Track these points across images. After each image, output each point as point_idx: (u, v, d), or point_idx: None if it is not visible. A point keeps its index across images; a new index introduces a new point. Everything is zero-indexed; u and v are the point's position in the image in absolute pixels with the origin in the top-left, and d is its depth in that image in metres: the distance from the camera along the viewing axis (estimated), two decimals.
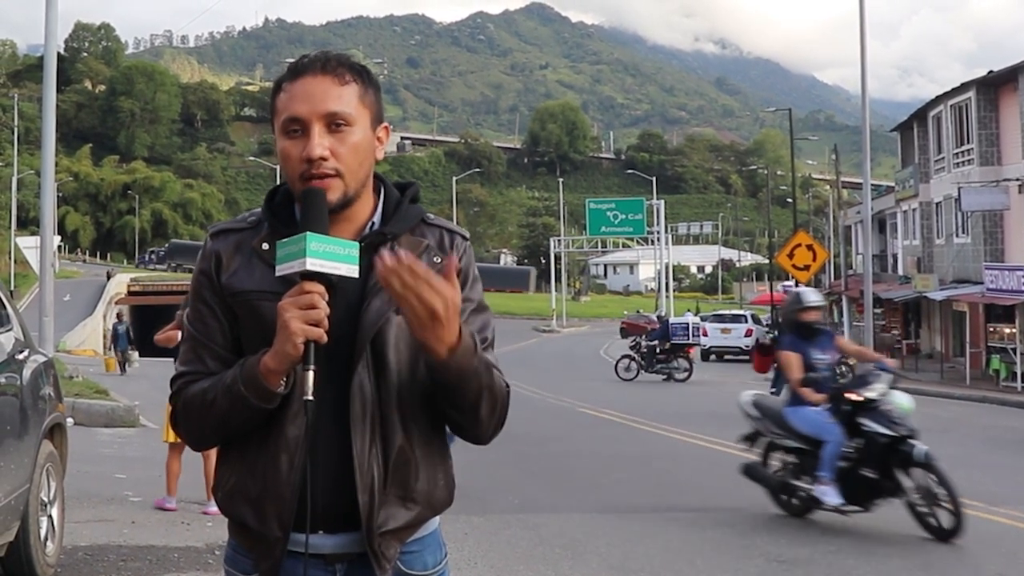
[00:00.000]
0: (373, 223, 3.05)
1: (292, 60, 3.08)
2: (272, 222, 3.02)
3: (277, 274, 2.82)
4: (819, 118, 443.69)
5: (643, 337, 44.57)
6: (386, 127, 3.12)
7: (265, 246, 2.97)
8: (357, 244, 2.84)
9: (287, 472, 2.90)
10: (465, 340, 2.82)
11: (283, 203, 3.07)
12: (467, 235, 3.18)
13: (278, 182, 3.12)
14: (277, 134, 3.00)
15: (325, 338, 2.76)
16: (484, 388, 2.93)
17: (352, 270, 2.81)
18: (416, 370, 2.98)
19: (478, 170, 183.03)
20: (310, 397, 2.75)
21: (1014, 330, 38.23)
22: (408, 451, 2.99)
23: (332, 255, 2.76)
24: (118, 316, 49.21)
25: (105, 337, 72.79)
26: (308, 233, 2.75)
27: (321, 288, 2.75)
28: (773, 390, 25.99)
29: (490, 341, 3.11)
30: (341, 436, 2.92)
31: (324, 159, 2.90)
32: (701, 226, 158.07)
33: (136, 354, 44.57)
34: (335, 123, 2.93)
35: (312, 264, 2.73)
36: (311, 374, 2.75)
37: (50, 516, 8.69)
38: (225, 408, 2.90)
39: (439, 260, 3.02)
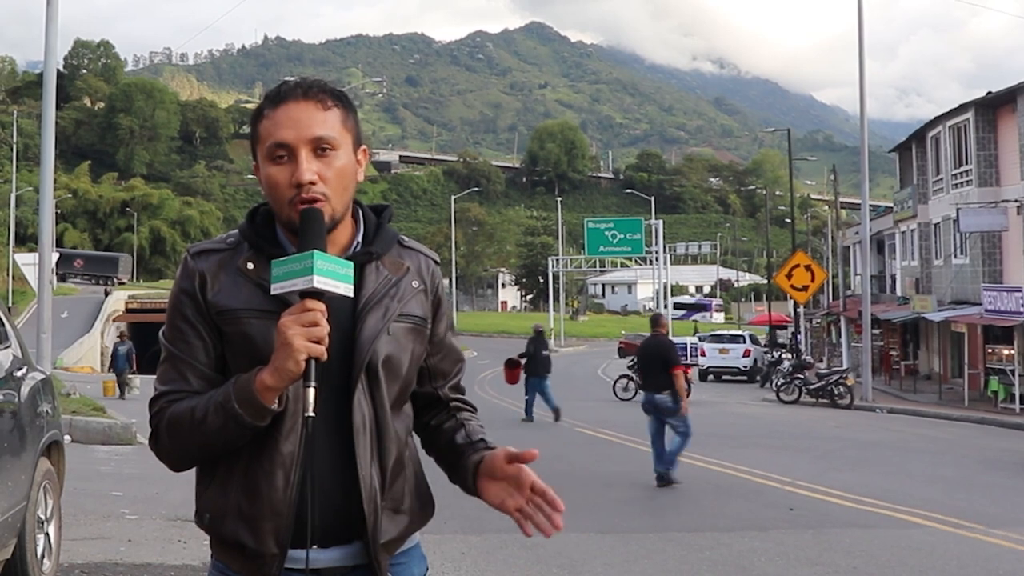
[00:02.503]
0: (357, 243, 3.10)
1: (291, 78, 3.12)
2: (256, 242, 3.06)
3: (273, 292, 2.84)
4: (818, 138, 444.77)
5: None
6: (364, 149, 3.16)
7: (250, 266, 3.01)
8: (352, 264, 2.89)
9: (283, 489, 2.93)
10: None
11: (264, 224, 3.11)
12: (438, 259, 3.29)
13: None
14: (261, 160, 3.03)
15: (326, 356, 2.78)
16: None
17: (349, 289, 2.85)
18: (400, 383, 3.08)
19: (477, 189, 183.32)
20: (312, 413, 2.77)
21: (1012, 351, 38.19)
22: (401, 464, 3.09)
23: (334, 274, 2.80)
24: (120, 336, 44.32)
25: (103, 355, 72.84)
26: (315, 251, 2.78)
27: (323, 306, 2.79)
28: (527, 397, 28.05)
29: (462, 362, 3.38)
30: (337, 451, 2.97)
31: (313, 183, 2.94)
32: (699, 246, 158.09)
33: (137, 379, 41.01)
34: (321, 147, 2.97)
35: (319, 282, 2.76)
36: (312, 391, 2.77)
37: (47, 534, 8.67)
38: (216, 426, 2.90)
39: (417, 284, 3.14)
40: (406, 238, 3.22)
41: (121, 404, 33.64)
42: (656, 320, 19.12)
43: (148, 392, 3.17)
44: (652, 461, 17.90)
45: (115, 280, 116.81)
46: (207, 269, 3.05)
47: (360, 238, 3.11)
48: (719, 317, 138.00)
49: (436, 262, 3.25)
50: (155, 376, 3.13)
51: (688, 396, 18.31)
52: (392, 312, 3.03)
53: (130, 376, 40.26)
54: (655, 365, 18.19)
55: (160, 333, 3.14)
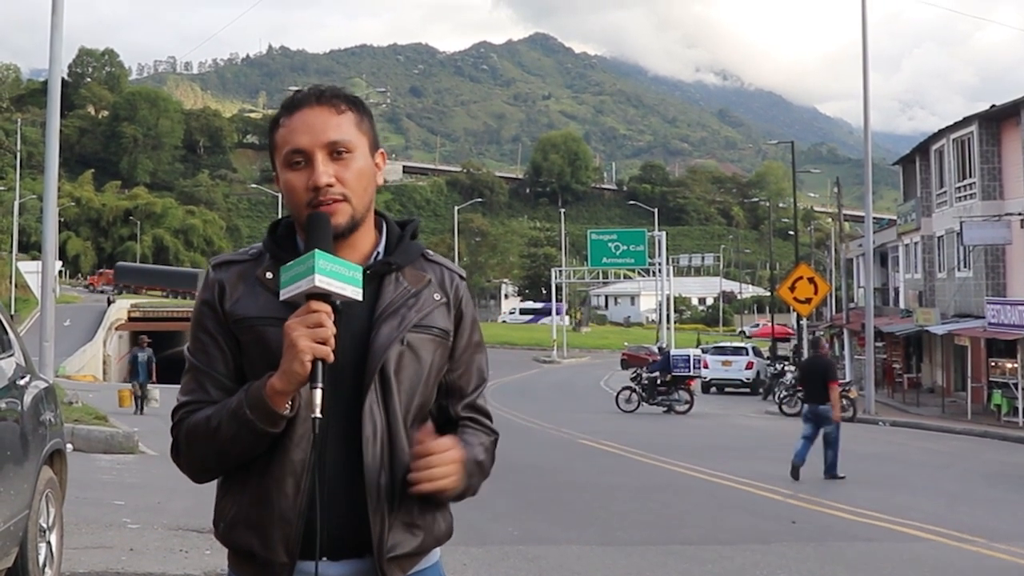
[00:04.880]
0: (378, 253, 3.09)
1: (296, 88, 3.14)
2: (275, 252, 3.06)
3: (282, 297, 2.84)
4: (821, 151, 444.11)
5: (644, 369, 44.56)
6: (383, 153, 3.18)
7: (269, 275, 3.02)
8: (360, 268, 2.88)
9: (293, 496, 2.92)
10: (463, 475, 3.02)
11: (285, 235, 3.12)
12: (464, 275, 3.26)
13: (280, 209, 3.15)
14: (279, 168, 3.06)
15: (332, 357, 2.78)
16: (477, 483, 3.13)
17: (356, 292, 2.84)
18: (417, 397, 3.05)
19: (480, 200, 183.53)
20: (319, 414, 2.76)
21: (1016, 365, 38.12)
22: None
23: (338, 275, 2.80)
24: (139, 342, 39.01)
25: (105, 363, 72.71)
26: (317, 251, 2.78)
27: (328, 308, 2.79)
28: None
29: (484, 382, 3.28)
30: (348, 462, 2.94)
31: (331, 185, 2.95)
32: (703, 258, 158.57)
33: (157, 391, 37.05)
34: (337, 151, 2.99)
35: (320, 281, 2.76)
36: (319, 392, 2.77)
37: (49, 542, 8.66)
38: (230, 434, 2.90)
39: (439, 297, 3.11)
40: (431, 252, 3.20)
41: (138, 420, 31.06)
42: (817, 343, 22.96)
43: (168, 404, 3.17)
44: (792, 453, 20.47)
45: None
46: (226, 280, 3.07)
47: (382, 249, 3.12)
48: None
49: (461, 276, 3.22)
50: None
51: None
52: (408, 322, 3.01)
53: (150, 388, 36.44)
54: (818, 381, 20.82)
55: (186, 345, 3.16)
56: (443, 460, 2.90)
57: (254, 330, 2.99)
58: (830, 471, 20.67)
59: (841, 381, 22.80)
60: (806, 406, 21.23)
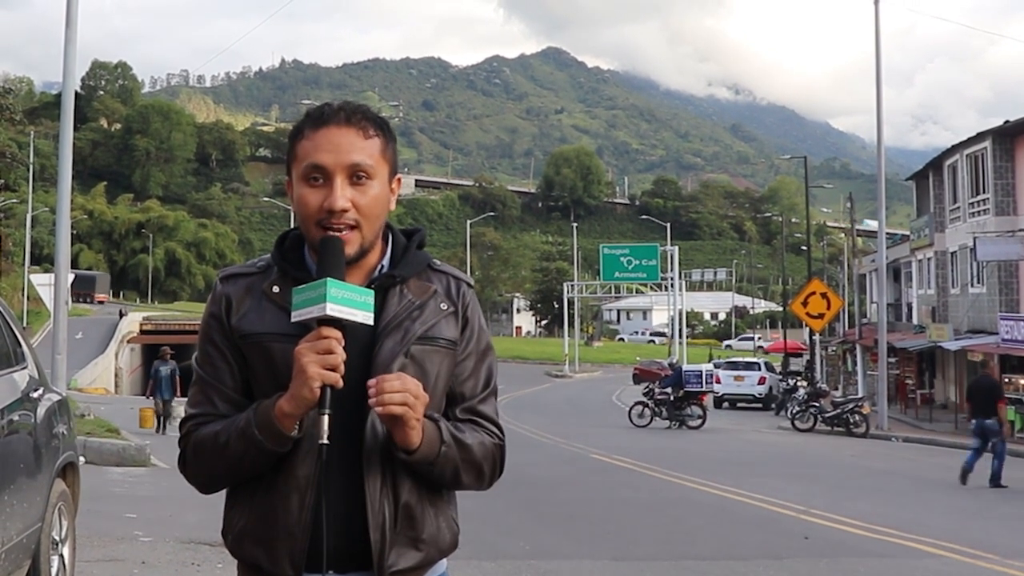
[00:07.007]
0: (382, 266, 3.09)
1: (309, 101, 3.13)
2: (282, 266, 3.06)
3: (293, 320, 2.85)
4: (834, 166, 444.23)
5: (656, 384, 44.50)
6: (399, 178, 3.18)
7: (276, 289, 3.02)
8: (372, 292, 2.89)
9: (298, 512, 2.93)
10: (428, 436, 2.93)
11: (292, 248, 3.11)
12: (472, 283, 3.25)
13: (292, 222, 3.14)
14: (295, 179, 3.03)
15: (341, 383, 2.78)
16: (460, 465, 3.04)
17: (368, 317, 2.85)
18: (425, 409, 3.00)
19: (492, 214, 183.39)
20: (326, 441, 2.77)
21: None
22: (417, 492, 3.02)
23: (350, 301, 2.80)
24: (160, 354, 34.97)
25: (117, 376, 72.72)
26: (329, 279, 2.78)
27: (338, 334, 2.79)
28: None
29: (492, 389, 3.23)
30: (351, 476, 2.94)
31: (345, 210, 2.94)
32: (715, 273, 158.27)
33: (183, 409, 31.25)
34: (357, 175, 2.97)
35: (332, 310, 2.77)
36: (326, 418, 2.77)
37: (61, 555, 8.65)
38: (239, 451, 2.92)
39: (445, 307, 3.10)
40: (438, 261, 3.19)
41: (162, 440, 28.74)
42: (985, 364, 24.18)
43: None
44: (962, 463, 23.44)
45: None
46: (233, 293, 3.08)
47: (386, 261, 3.11)
48: None
49: (469, 284, 3.21)
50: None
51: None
52: (412, 335, 3.00)
53: (174, 405, 33.19)
54: (985, 397, 23.39)
55: (193, 356, 3.16)
56: (392, 386, 2.80)
57: (260, 345, 2.99)
58: (994, 480, 22.73)
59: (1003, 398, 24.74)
60: (974, 421, 23.64)
